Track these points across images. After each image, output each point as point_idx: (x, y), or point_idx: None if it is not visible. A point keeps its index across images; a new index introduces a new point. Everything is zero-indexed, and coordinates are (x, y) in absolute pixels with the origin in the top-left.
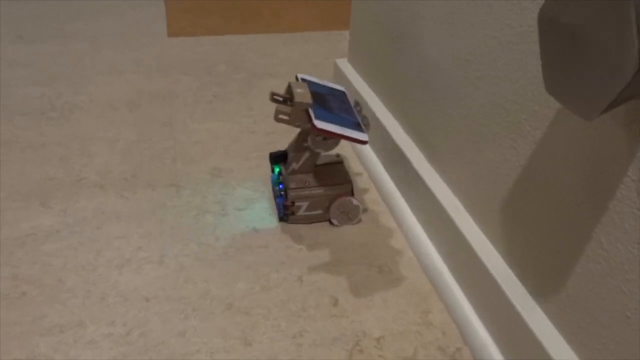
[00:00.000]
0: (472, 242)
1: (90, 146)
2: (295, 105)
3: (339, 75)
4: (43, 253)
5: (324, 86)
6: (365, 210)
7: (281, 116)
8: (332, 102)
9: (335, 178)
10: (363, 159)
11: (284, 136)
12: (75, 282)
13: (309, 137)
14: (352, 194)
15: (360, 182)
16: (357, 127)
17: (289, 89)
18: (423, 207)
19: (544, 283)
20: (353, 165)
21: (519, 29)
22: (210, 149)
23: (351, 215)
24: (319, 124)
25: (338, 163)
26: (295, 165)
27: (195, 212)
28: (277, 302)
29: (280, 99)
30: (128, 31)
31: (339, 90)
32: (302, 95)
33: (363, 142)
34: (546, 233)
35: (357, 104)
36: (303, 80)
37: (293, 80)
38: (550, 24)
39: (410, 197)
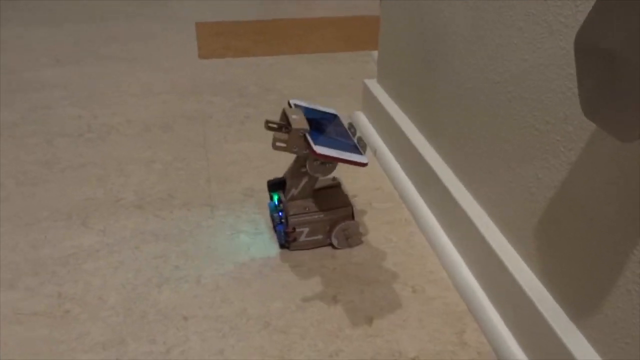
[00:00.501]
0: (506, 262)
1: (127, 167)
2: (292, 131)
3: (368, 96)
4: (84, 272)
5: (316, 111)
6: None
7: (278, 144)
8: (326, 126)
9: (335, 202)
10: (393, 179)
11: None
12: (116, 301)
13: (307, 162)
14: (353, 217)
15: (392, 201)
16: (355, 149)
17: (284, 116)
18: (456, 227)
19: (580, 303)
20: (380, 184)
21: (550, 51)
22: (243, 170)
23: (352, 240)
24: (319, 150)
25: (336, 186)
26: (294, 192)
27: (230, 231)
28: (313, 322)
29: (276, 126)
30: (161, 54)
31: (330, 114)
32: (299, 121)
33: (363, 165)
34: (582, 253)
35: (351, 126)
36: (296, 105)
37: (318, 102)
38: (587, 47)
39: (442, 216)
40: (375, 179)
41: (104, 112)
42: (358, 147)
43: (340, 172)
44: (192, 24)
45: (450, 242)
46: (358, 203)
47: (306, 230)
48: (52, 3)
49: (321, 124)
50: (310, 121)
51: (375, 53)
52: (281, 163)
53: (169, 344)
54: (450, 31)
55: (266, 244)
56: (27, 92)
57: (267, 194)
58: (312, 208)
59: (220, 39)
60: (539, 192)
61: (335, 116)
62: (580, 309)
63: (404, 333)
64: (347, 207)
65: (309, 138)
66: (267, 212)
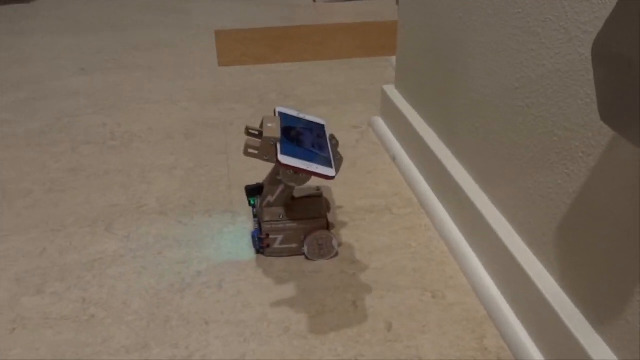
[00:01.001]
0: (526, 268)
1: (150, 174)
2: (263, 139)
3: (387, 102)
4: (109, 277)
5: (302, 120)
6: (338, 245)
7: (250, 150)
8: (306, 136)
9: (310, 212)
10: (412, 185)
11: None
12: (139, 305)
13: (280, 170)
14: (327, 228)
15: (411, 207)
16: (327, 162)
17: (262, 124)
18: (475, 233)
19: (601, 309)
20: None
21: (568, 57)
22: (263, 176)
23: (325, 251)
24: (283, 159)
25: (316, 197)
26: (270, 198)
27: (250, 237)
28: (333, 327)
29: (256, 132)
30: (181, 62)
31: (317, 124)
32: (271, 129)
33: (328, 178)
34: (603, 259)
35: (332, 137)
36: (281, 113)
37: (338, 108)
38: (604, 54)
39: (462, 222)
40: (394, 185)
41: (127, 120)
42: (332, 160)
43: (359, 179)
44: (211, 32)
45: (470, 248)
46: (377, 209)
47: (280, 237)
48: (76, 13)
49: (300, 133)
50: (289, 130)
51: (393, 59)
52: None
53: (191, 349)
54: (468, 37)
55: None
56: (53, 100)
57: None
58: (286, 216)
59: (239, 47)
60: (558, 198)
61: (321, 126)
62: (600, 314)
63: (424, 339)
64: (321, 219)
65: (278, 146)
66: None
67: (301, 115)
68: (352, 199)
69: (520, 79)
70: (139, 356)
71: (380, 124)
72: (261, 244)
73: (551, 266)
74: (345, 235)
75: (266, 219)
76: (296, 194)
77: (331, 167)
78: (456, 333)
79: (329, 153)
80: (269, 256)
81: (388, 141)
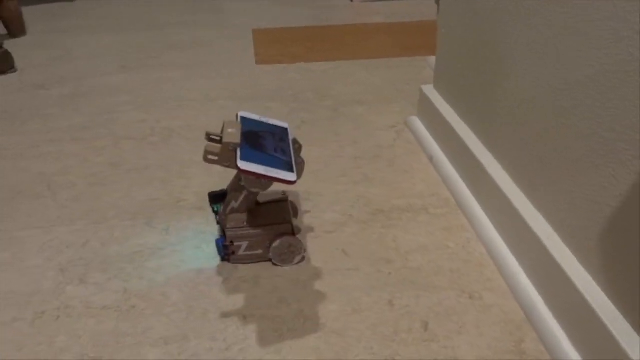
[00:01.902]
0: (568, 271)
1: (188, 169)
2: (223, 145)
3: (425, 102)
4: (149, 269)
5: (264, 124)
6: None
7: (210, 157)
8: (267, 141)
9: (275, 217)
10: (450, 185)
11: (372, 162)
12: (178, 298)
13: (242, 176)
14: (292, 233)
15: (448, 207)
16: (287, 166)
17: (209, 135)
18: (515, 235)
19: None
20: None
21: (617, 57)
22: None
23: (288, 257)
24: (243, 165)
25: (282, 201)
26: (234, 204)
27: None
28: (369, 325)
29: (217, 138)
30: (219, 60)
31: (280, 128)
32: (231, 135)
33: (290, 183)
34: None
35: (295, 142)
36: (243, 118)
37: (375, 107)
38: None
39: (500, 224)
40: (431, 185)
41: (165, 116)
42: (293, 164)
43: (396, 178)
44: (249, 31)
45: (509, 249)
46: (414, 208)
47: (245, 244)
48: (117, 13)
49: (262, 138)
50: (249, 135)
51: (431, 58)
52: (337, 167)
53: (228, 342)
54: (511, 37)
55: (322, 247)
56: (95, 97)
57: (328, 198)
58: (250, 222)
59: (276, 46)
60: (603, 201)
61: (284, 130)
62: None
63: (461, 340)
64: (285, 224)
65: (237, 152)
66: (323, 216)
67: (263, 119)
68: (389, 199)
69: (565, 79)
70: (178, 347)
71: (418, 123)
72: (226, 251)
73: (594, 270)
74: (381, 234)
75: (229, 225)
76: (261, 199)
77: (292, 171)
78: (494, 335)
79: (291, 157)
80: (234, 263)
81: (425, 141)
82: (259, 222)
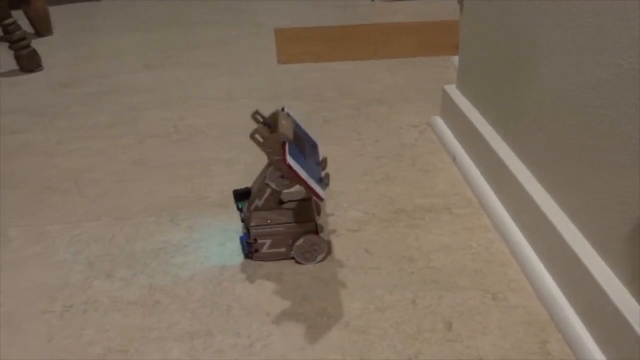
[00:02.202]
0: (593, 272)
1: (212, 167)
2: (276, 134)
3: (447, 101)
4: (173, 265)
5: (303, 131)
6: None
7: (257, 136)
8: (306, 149)
9: (298, 215)
10: (472, 185)
11: (394, 161)
12: (202, 294)
13: (268, 169)
14: (316, 232)
15: (471, 207)
16: (319, 182)
17: (274, 116)
18: (539, 235)
19: None
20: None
21: None
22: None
23: (311, 255)
24: (290, 161)
25: (306, 200)
26: (258, 202)
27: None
28: (392, 324)
29: (261, 120)
30: (242, 59)
31: (313, 142)
32: (287, 127)
33: (319, 198)
34: None
35: (324, 160)
36: (288, 115)
37: (396, 106)
38: None
39: (524, 224)
40: (454, 185)
41: (189, 114)
42: (322, 181)
43: (418, 177)
44: (271, 30)
45: (533, 250)
46: (436, 208)
47: (268, 242)
48: (142, 12)
49: (303, 144)
50: (296, 136)
51: (454, 58)
52: (359, 166)
53: (252, 338)
54: (538, 36)
55: (344, 245)
56: (120, 95)
57: (351, 196)
58: (274, 220)
59: (298, 45)
60: (629, 201)
61: (315, 145)
62: None
63: (485, 340)
64: (309, 222)
65: (286, 147)
66: (345, 215)
67: (301, 125)
68: (411, 198)
69: (593, 78)
70: (202, 342)
71: (440, 123)
72: (249, 248)
73: (619, 270)
74: (404, 233)
75: (253, 223)
76: (285, 198)
77: (322, 188)
78: (518, 336)
79: (319, 174)
80: (258, 260)
81: (448, 140)
82: (282, 220)
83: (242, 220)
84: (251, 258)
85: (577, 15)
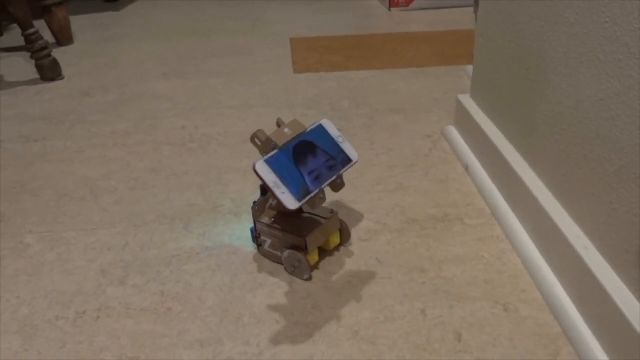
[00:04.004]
0: (605, 285)
1: (225, 175)
2: (267, 139)
3: (461, 111)
4: (185, 272)
5: (332, 144)
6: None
7: (256, 139)
8: (315, 160)
9: (296, 228)
10: (485, 195)
11: (406, 169)
12: (213, 302)
13: None
14: (304, 250)
15: (483, 217)
16: (301, 192)
17: (293, 123)
18: (551, 247)
19: None
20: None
21: None
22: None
23: (297, 270)
24: (258, 166)
25: (319, 217)
26: (272, 202)
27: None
28: (401, 334)
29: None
30: (257, 68)
31: (345, 156)
32: (280, 134)
33: (285, 207)
34: None
35: (339, 177)
36: (320, 127)
37: (411, 116)
38: None
39: (536, 235)
40: (466, 195)
41: (204, 123)
42: (310, 192)
43: (431, 187)
44: (287, 39)
45: (545, 261)
46: (448, 218)
47: (269, 241)
48: (159, 21)
49: (314, 154)
50: (304, 145)
51: (469, 68)
52: (371, 175)
53: (262, 346)
54: (550, 47)
55: (355, 255)
56: (137, 103)
57: (363, 205)
58: (276, 223)
59: (314, 54)
60: None
61: (346, 160)
62: None
63: (495, 351)
64: (300, 238)
65: (271, 153)
66: (358, 224)
67: (339, 140)
68: (424, 207)
69: (605, 89)
70: (212, 350)
71: (454, 133)
72: (257, 240)
73: (632, 283)
74: (416, 243)
75: (260, 219)
76: (306, 208)
77: (298, 199)
78: (528, 348)
79: (317, 186)
80: (262, 255)
81: (461, 150)
82: (281, 226)
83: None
84: (258, 249)
85: (588, 24)
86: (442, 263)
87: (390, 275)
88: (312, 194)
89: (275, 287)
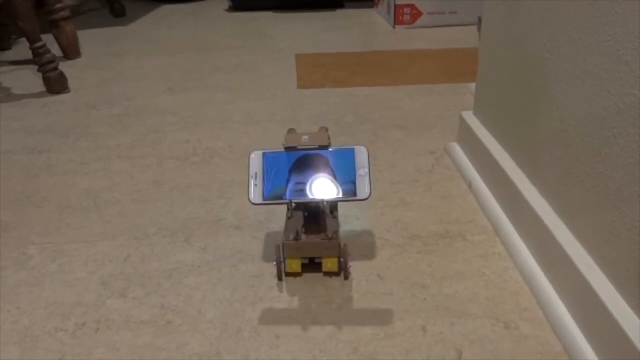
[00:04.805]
0: (608, 304)
1: (228, 189)
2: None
3: (464, 128)
4: (186, 286)
5: (349, 173)
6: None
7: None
8: (311, 174)
9: (290, 224)
10: (487, 212)
11: (409, 185)
12: (213, 315)
13: None
14: (278, 253)
15: (485, 234)
16: (274, 196)
17: (321, 130)
18: (553, 265)
19: None
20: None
21: None
22: None
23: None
24: (252, 155)
25: (325, 236)
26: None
27: None
28: (401, 350)
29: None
30: (262, 83)
31: (351, 190)
32: (294, 137)
33: (249, 198)
34: None
35: (333, 207)
36: (351, 152)
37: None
38: None
39: (539, 253)
40: (468, 211)
41: (208, 137)
42: (283, 200)
43: (434, 203)
44: (292, 55)
45: (547, 279)
46: (450, 234)
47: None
48: (166, 36)
49: (317, 169)
50: (313, 157)
51: (472, 85)
52: (374, 191)
53: None
54: (553, 65)
55: (356, 270)
56: (143, 117)
57: (365, 221)
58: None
59: (319, 70)
60: None
61: (351, 193)
62: None
63: None
64: (284, 237)
65: (276, 150)
66: (359, 240)
67: (360, 173)
68: (426, 224)
69: (607, 107)
70: None
71: (457, 149)
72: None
73: (635, 302)
74: (417, 259)
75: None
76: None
77: (263, 198)
78: None
79: (295, 197)
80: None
81: (464, 167)
82: (292, 215)
83: None
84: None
85: (590, 43)
86: (443, 279)
87: (392, 291)
88: (279, 202)
89: (275, 301)
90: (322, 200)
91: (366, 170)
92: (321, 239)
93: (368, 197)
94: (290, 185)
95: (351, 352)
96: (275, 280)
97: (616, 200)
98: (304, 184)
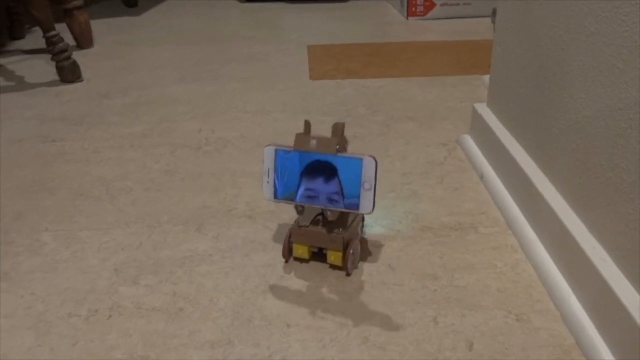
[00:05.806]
0: (622, 297)
1: (240, 179)
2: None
3: (477, 120)
4: (198, 274)
5: (355, 186)
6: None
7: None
8: (323, 185)
9: (307, 216)
10: (500, 204)
11: (421, 177)
12: (225, 304)
13: None
14: (287, 237)
15: (498, 227)
16: (287, 196)
17: (337, 126)
18: (566, 258)
19: None
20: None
21: None
22: None
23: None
24: (267, 149)
25: (335, 229)
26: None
27: None
28: (412, 341)
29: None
30: (274, 74)
31: (354, 204)
32: (303, 141)
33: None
34: None
35: (332, 212)
36: (359, 163)
37: (425, 124)
38: None
39: (552, 245)
40: (480, 203)
41: (220, 127)
42: (293, 202)
43: (446, 195)
44: (304, 46)
45: (559, 272)
46: (462, 226)
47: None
48: (179, 26)
49: (327, 178)
50: (324, 165)
51: (485, 77)
52: (385, 182)
53: (272, 349)
54: (568, 56)
55: (368, 261)
56: (155, 106)
57: (376, 212)
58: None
59: (331, 61)
60: None
61: (354, 205)
62: None
63: None
64: (294, 223)
65: (288, 148)
66: (371, 231)
67: (365, 187)
68: (438, 215)
69: (624, 99)
70: (222, 351)
71: (469, 141)
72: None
73: None
74: (428, 251)
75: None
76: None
77: (276, 196)
78: (541, 359)
79: (304, 202)
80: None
81: (476, 159)
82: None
83: None
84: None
85: (607, 34)
86: (454, 271)
87: (403, 282)
88: (290, 202)
89: (286, 290)
90: (327, 209)
91: (371, 184)
92: (327, 230)
93: (371, 213)
94: (300, 191)
95: (362, 342)
96: (287, 269)
97: (632, 193)
98: (313, 190)
